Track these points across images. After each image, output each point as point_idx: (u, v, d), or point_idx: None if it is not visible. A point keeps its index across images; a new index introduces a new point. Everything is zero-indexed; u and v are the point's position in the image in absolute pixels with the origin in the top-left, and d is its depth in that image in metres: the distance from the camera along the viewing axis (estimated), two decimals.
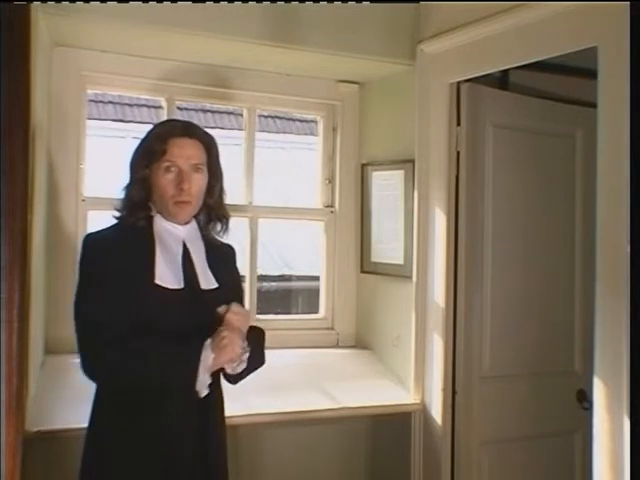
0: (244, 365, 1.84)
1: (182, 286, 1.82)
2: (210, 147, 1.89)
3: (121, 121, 5.77)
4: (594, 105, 2.14)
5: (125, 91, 3.15)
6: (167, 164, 1.82)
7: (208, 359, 1.72)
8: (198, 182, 1.85)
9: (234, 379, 1.88)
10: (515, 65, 2.56)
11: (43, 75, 2.43)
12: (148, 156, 1.84)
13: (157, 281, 1.79)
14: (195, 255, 1.89)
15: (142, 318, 1.74)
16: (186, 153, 1.83)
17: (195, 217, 1.92)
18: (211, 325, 1.80)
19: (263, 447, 2.84)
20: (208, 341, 1.73)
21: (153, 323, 1.75)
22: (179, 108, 3.05)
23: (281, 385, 2.61)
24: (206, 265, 1.90)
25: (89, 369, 1.74)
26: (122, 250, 1.81)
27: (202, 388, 1.74)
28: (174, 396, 1.75)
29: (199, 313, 1.82)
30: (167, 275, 1.81)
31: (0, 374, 1.70)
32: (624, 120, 1.91)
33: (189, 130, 1.86)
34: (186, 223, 1.90)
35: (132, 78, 2.84)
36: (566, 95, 2.97)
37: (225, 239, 2.02)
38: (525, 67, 2.56)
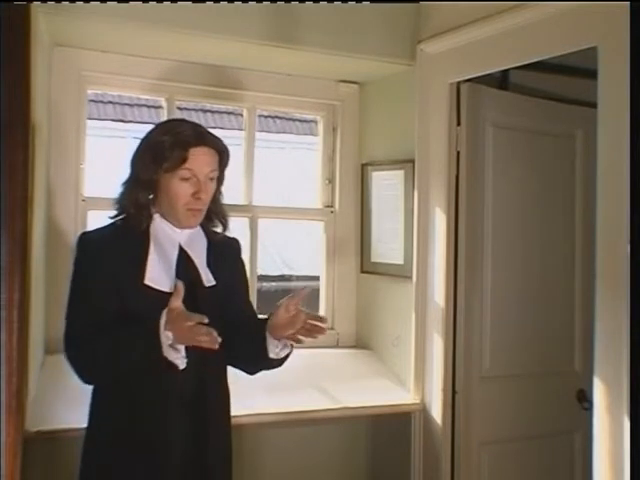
0: (288, 350, 1.85)
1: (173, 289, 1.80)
2: (223, 155, 1.88)
3: (121, 121, 5.77)
4: (594, 105, 2.14)
5: (125, 91, 3.15)
6: (186, 173, 1.79)
7: (168, 338, 1.68)
8: (211, 190, 1.85)
9: (277, 363, 1.88)
10: (515, 65, 2.56)
11: (43, 75, 2.43)
12: (162, 161, 1.79)
13: (147, 282, 1.79)
14: (194, 254, 1.89)
15: (129, 318, 1.73)
16: (205, 163, 1.81)
17: None
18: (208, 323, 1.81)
19: (263, 447, 2.84)
20: (163, 320, 1.68)
21: (140, 321, 1.72)
22: (179, 108, 3.05)
23: (281, 385, 2.60)
24: (204, 263, 1.90)
25: (71, 366, 1.78)
26: (115, 250, 1.81)
27: (175, 359, 1.70)
28: (162, 395, 1.74)
29: (195, 312, 1.80)
30: (158, 277, 1.81)
31: (0, 374, 1.70)
32: (624, 120, 1.91)
33: (205, 138, 1.83)
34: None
35: (132, 78, 2.84)
36: (566, 95, 2.97)
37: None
38: (525, 67, 2.56)
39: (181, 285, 1.71)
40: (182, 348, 1.71)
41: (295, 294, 1.79)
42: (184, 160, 1.78)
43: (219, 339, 1.64)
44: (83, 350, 1.77)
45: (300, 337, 1.80)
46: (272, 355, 1.84)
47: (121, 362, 1.74)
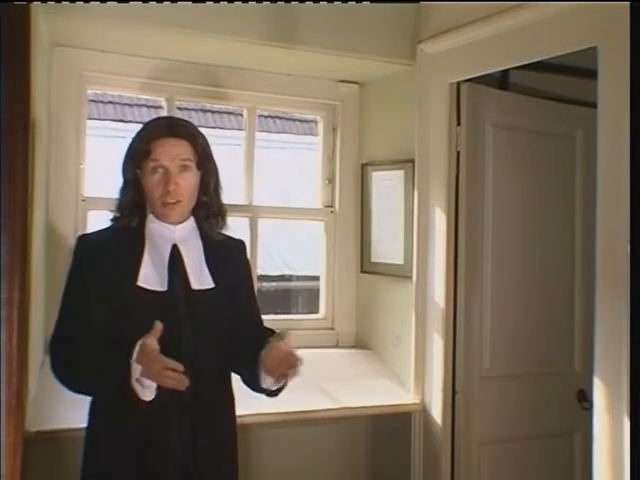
0: (279, 384, 1.80)
1: (165, 288, 1.80)
2: (196, 144, 1.85)
3: (121, 121, 5.77)
4: (594, 105, 2.14)
5: (125, 91, 3.14)
6: (153, 165, 1.80)
7: (136, 370, 1.65)
8: (187, 181, 1.82)
9: (270, 393, 1.85)
10: (515, 65, 2.56)
11: (43, 75, 2.43)
12: (136, 158, 1.83)
13: (139, 283, 1.78)
14: (188, 255, 1.86)
15: (120, 320, 1.73)
16: (171, 153, 1.80)
17: (193, 215, 1.91)
18: (201, 325, 1.80)
19: (263, 447, 2.83)
20: (135, 353, 1.65)
21: (130, 324, 1.72)
22: (179, 108, 3.05)
23: None
24: (203, 264, 1.87)
25: (50, 367, 1.80)
26: (109, 252, 1.81)
27: (140, 392, 1.67)
28: (159, 396, 1.71)
29: (187, 314, 1.80)
30: (151, 277, 1.80)
31: (0, 374, 1.70)
32: (624, 120, 1.91)
33: (174, 129, 1.83)
34: (180, 222, 1.87)
35: (132, 78, 2.84)
36: (566, 95, 2.97)
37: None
38: (525, 67, 2.56)
39: (159, 325, 1.65)
40: (152, 383, 1.66)
41: (282, 336, 1.74)
42: (148, 153, 1.80)
43: (187, 382, 1.61)
44: (62, 360, 1.78)
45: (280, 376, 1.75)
46: (264, 386, 1.81)
47: (96, 381, 1.75)
